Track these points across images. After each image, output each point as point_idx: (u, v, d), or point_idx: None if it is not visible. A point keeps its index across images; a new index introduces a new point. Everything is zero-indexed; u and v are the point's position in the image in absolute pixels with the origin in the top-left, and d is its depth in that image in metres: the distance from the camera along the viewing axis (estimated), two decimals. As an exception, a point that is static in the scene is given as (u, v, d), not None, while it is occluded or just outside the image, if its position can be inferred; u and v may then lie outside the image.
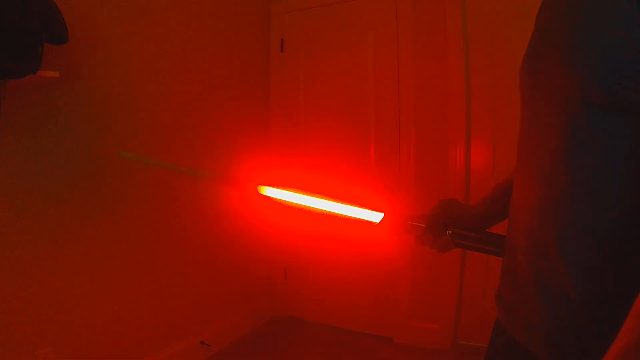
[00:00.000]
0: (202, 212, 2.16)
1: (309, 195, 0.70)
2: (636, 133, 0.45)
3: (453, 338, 2.24)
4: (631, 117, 0.45)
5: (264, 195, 0.75)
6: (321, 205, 0.70)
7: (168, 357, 1.95)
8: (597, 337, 0.49)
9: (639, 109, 0.44)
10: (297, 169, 2.61)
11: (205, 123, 2.17)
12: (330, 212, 0.70)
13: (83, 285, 1.62)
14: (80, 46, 1.57)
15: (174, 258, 2.01)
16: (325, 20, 2.49)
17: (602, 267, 0.49)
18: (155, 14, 1.88)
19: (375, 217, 0.69)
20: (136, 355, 1.83)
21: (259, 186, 0.75)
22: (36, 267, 1.47)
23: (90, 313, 1.64)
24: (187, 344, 2.06)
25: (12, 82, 1.28)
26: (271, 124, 2.64)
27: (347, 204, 0.69)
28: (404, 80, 2.25)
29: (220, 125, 2.28)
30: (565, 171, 0.50)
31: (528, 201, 0.57)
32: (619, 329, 0.41)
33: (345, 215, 0.69)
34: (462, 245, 0.68)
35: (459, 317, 2.23)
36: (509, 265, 0.62)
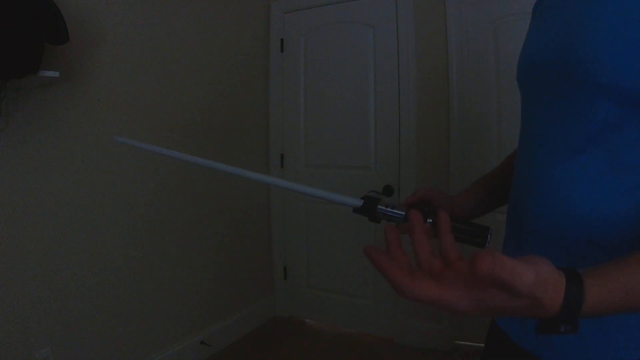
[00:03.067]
0: (202, 212, 2.16)
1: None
2: None
3: (453, 338, 2.24)
4: None
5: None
6: (312, 192, 0.69)
7: (168, 357, 1.95)
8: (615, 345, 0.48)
9: None
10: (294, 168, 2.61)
11: (205, 123, 2.17)
12: (314, 195, 0.69)
13: (82, 285, 1.62)
14: (80, 46, 1.57)
15: (174, 258, 2.01)
16: (325, 20, 2.49)
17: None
18: (155, 14, 1.88)
19: (356, 203, 0.68)
20: (136, 355, 1.83)
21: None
22: (35, 267, 1.47)
23: (90, 313, 1.64)
24: (187, 344, 2.06)
25: (12, 81, 1.28)
26: (271, 123, 2.64)
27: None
28: (404, 79, 2.25)
29: (221, 125, 2.28)
30: (588, 165, 0.49)
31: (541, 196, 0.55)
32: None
33: (327, 199, 0.69)
34: None
35: (459, 317, 2.23)
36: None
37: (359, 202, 0.68)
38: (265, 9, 2.61)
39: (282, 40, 2.60)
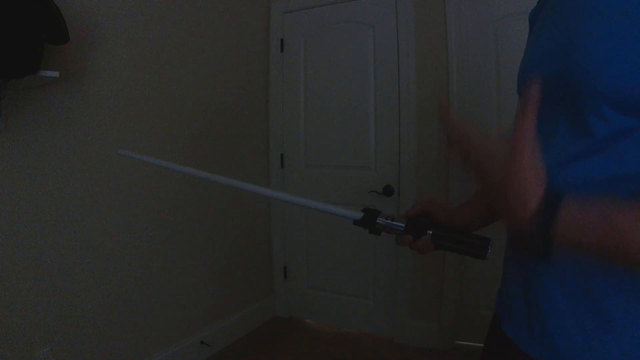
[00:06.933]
0: (202, 212, 2.16)
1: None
2: None
3: (453, 338, 2.24)
4: None
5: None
6: (312, 205, 0.70)
7: (168, 357, 1.95)
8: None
9: None
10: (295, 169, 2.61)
11: (205, 123, 2.17)
12: (315, 208, 0.69)
13: (82, 285, 1.62)
14: (80, 46, 1.57)
15: (174, 258, 2.01)
16: (325, 20, 2.49)
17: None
18: (155, 14, 1.88)
19: (355, 216, 0.68)
20: (136, 355, 1.83)
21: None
22: (34, 267, 1.47)
23: (90, 313, 1.64)
24: (187, 344, 2.06)
25: (12, 81, 1.28)
26: (271, 123, 2.64)
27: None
28: (404, 79, 2.25)
29: (220, 125, 2.28)
30: (594, 169, 0.49)
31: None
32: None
33: (327, 212, 0.69)
34: (443, 247, 0.67)
35: (459, 317, 2.23)
36: (515, 267, 0.61)
37: (359, 215, 0.68)
38: (265, 9, 2.61)
39: (282, 40, 2.60)
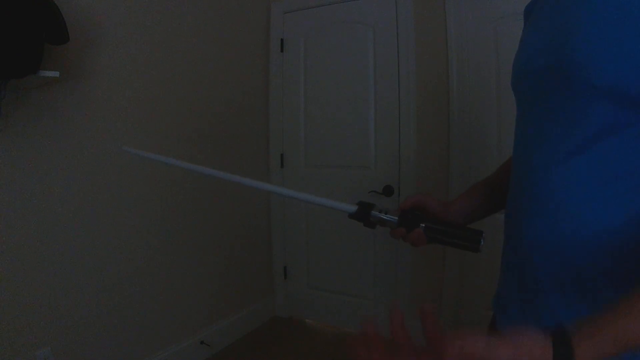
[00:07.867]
0: (202, 212, 2.16)
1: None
2: None
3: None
4: None
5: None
6: (307, 198, 0.71)
7: (168, 357, 1.95)
8: None
9: None
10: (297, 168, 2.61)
11: (205, 123, 2.17)
12: (309, 201, 0.70)
13: (82, 285, 1.62)
14: (80, 46, 1.57)
15: (174, 258, 2.01)
16: (325, 20, 2.48)
17: (627, 268, 0.47)
18: (155, 14, 1.88)
19: (349, 209, 0.68)
20: (136, 355, 1.83)
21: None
22: (34, 267, 1.47)
23: (90, 313, 1.64)
24: (187, 344, 2.06)
25: (12, 81, 1.28)
26: (271, 123, 2.64)
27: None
28: (404, 79, 2.25)
29: (221, 125, 2.28)
30: (584, 168, 0.49)
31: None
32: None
33: (322, 205, 0.69)
34: (436, 240, 0.67)
35: (458, 317, 2.23)
36: (511, 264, 0.61)
37: (353, 208, 0.69)
38: (265, 9, 2.61)
39: (282, 40, 2.60)
